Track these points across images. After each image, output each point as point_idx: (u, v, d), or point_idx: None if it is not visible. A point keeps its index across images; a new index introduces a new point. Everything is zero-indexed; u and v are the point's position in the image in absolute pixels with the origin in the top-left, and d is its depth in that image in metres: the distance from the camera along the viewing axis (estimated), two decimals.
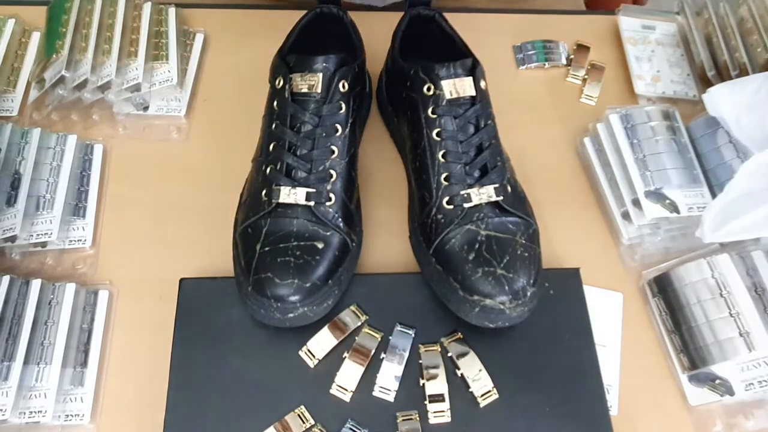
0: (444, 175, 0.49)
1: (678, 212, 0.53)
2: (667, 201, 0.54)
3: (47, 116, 0.60)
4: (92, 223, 0.55)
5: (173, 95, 0.62)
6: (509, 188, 0.50)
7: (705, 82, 0.65)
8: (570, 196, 0.60)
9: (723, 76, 0.63)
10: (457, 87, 0.50)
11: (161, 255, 0.55)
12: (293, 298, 0.46)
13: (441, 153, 0.50)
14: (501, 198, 0.49)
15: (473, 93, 0.50)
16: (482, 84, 0.51)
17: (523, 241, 0.48)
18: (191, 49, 0.65)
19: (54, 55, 0.59)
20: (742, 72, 0.61)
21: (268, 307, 0.46)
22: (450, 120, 0.50)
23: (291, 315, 0.46)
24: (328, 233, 0.48)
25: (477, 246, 0.47)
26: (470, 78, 0.50)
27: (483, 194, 0.49)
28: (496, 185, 0.49)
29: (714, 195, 0.55)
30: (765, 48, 0.60)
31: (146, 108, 0.62)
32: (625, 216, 0.56)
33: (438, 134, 0.50)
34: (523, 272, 0.47)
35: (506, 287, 0.46)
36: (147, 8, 0.64)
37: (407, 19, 0.57)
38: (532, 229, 0.50)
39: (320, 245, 0.48)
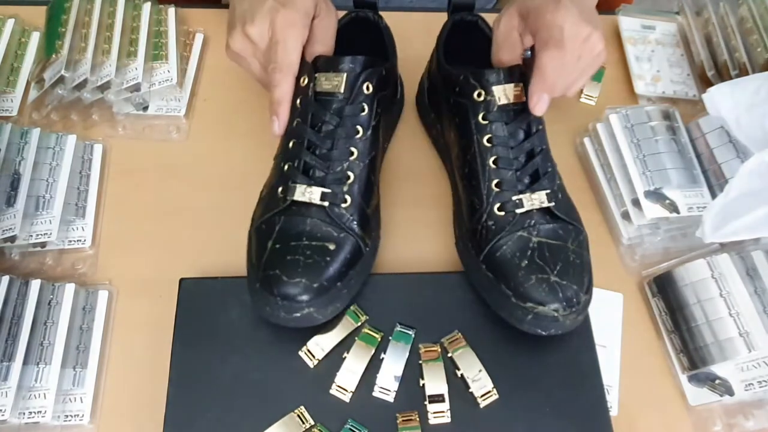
0: (495, 182, 0.49)
1: (678, 212, 0.53)
2: (667, 201, 0.54)
3: (47, 116, 0.60)
4: (92, 223, 0.55)
5: (173, 95, 0.62)
6: (560, 194, 0.50)
7: (705, 82, 0.65)
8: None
9: (723, 76, 0.63)
10: (507, 93, 0.50)
11: (161, 255, 0.55)
12: (300, 298, 0.45)
13: (492, 159, 0.49)
14: (552, 204, 0.48)
15: (523, 99, 0.50)
16: None
17: (574, 248, 0.48)
18: (191, 49, 0.65)
19: (54, 55, 0.59)
20: (742, 72, 0.61)
21: (274, 305, 0.46)
22: (501, 126, 0.50)
23: (296, 315, 0.46)
24: (341, 235, 0.48)
25: (529, 253, 0.47)
26: (521, 84, 0.50)
27: (535, 200, 0.48)
28: (548, 191, 0.49)
29: (714, 195, 0.55)
30: (765, 48, 0.60)
31: (146, 108, 0.61)
32: (625, 216, 0.56)
33: (489, 140, 0.50)
34: (576, 279, 0.46)
35: (560, 294, 0.45)
36: (146, 8, 0.64)
37: (450, 24, 0.56)
38: (582, 236, 0.50)
39: (332, 246, 0.47)
